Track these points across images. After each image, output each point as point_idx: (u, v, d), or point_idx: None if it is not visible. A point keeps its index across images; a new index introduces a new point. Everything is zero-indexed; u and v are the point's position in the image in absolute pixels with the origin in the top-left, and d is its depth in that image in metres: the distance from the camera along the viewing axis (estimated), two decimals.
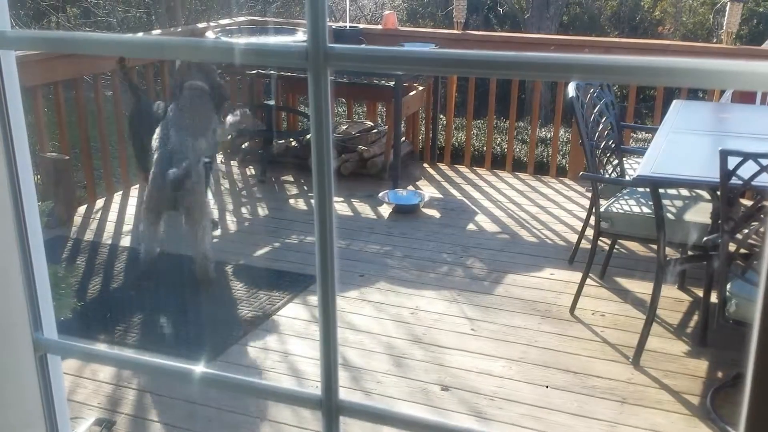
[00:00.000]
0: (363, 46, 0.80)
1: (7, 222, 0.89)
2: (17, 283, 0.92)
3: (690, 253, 3.42)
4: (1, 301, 0.90)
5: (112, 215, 4.88)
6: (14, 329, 0.93)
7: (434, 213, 4.95)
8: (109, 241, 4.47)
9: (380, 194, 5.04)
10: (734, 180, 2.78)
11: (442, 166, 5.92)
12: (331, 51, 0.73)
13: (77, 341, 1.02)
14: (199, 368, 0.91)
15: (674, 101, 4.32)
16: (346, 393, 0.74)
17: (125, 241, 4.48)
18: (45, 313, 1.00)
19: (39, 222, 0.99)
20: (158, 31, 6.82)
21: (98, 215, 4.88)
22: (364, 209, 4.97)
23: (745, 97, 5.01)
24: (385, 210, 4.95)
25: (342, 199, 5.10)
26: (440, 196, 5.26)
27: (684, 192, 3.68)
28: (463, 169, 5.86)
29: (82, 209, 4.94)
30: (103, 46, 0.91)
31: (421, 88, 5.79)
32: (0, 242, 0.89)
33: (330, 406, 0.86)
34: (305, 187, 5.32)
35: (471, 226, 4.75)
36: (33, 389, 0.96)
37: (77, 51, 0.91)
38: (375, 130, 5.68)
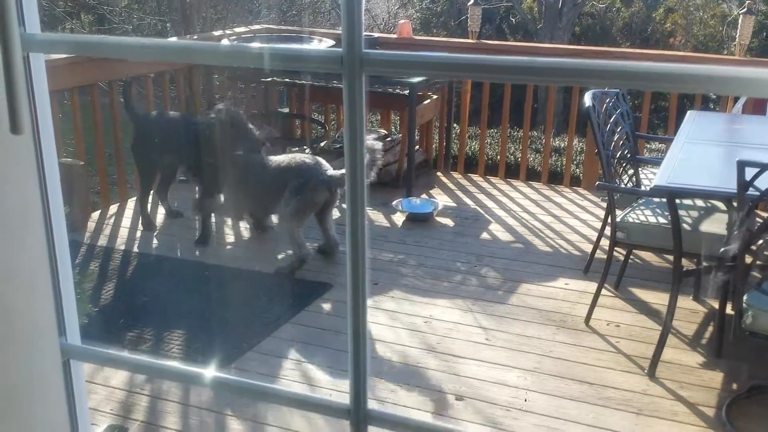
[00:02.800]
0: (397, 51, 0.81)
1: (37, 228, 0.89)
2: (46, 289, 0.92)
3: (706, 264, 3.39)
4: (29, 306, 0.90)
5: (126, 221, 4.89)
6: (41, 334, 0.93)
7: (448, 221, 4.94)
8: (123, 247, 4.48)
9: (394, 202, 5.03)
10: (751, 191, 2.76)
11: (456, 175, 5.91)
12: (367, 57, 0.73)
13: (100, 347, 1.02)
14: (228, 375, 0.90)
15: (689, 112, 4.31)
16: None
17: (138, 247, 4.49)
18: (69, 319, 1.00)
19: (65, 229, 0.99)
20: (174, 39, 6.85)
21: (112, 221, 4.89)
22: (378, 217, 4.96)
23: (756, 109, 4.99)
24: (399, 218, 4.94)
25: None
26: (454, 204, 5.25)
27: (699, 202, 3.66)
28: (476, 177, 5.85)
29: (96, 215, 4.95)
30: (134, 51, 0.91)
31: (435, 96, 5.79)
32: (30, 248, 0.89)
33: (358, 416, 0.86)
34: None
35: (485, 235, 4.74)
36: (58, 394, 0.96)
37: (107, 55, 0.91)
38: (389, 139, 5.68)
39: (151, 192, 4.84)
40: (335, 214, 4.46)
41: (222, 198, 4.51)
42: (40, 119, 0.89)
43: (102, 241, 4.57)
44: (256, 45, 0.63)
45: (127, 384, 3.11)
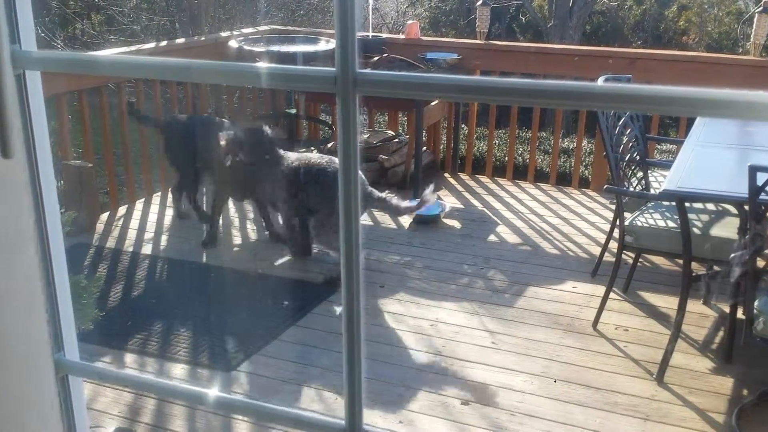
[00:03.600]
0: (391, 72, 0.80)
1: (30, 243, 0.89)
2: (39, 304, 0.92)
3: (716, 268, 3.37)
4: (23, 323, 0.90)
5: (134, 222, 4.90)
6: (36, 350, 0.92)
7: (455, 223, 4.92)
8: (131, 249, 4.49)
9: None
10: (763, 196, 2.74)
11: (463, 176, 5.89)
12: (361, 77, 0.72)
13: (103, 355, 1.01)
14: (220, 393, 0.90)
15: None
16: (365, 407, 0.72)
17: (146, 249, 4.50)
18: (67, 334, 0.99)
19: (62, 243, 0.98)
20: (182, 40, 6.86)
21: (120, 222, 4.90)
22: (385, 219, 4.95)
23: None
24: (406, 220, 4.93)
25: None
26: (461, 206, 5.24)
27: (710, 206, 3.63)
28: (484, 179, 5.84)
29: (104, 216, 4.97)
30: (128, 68, 0.90)
31: None
32: (23, 263, 0.89)
33: None
34: None
35: (492, 237, 4.72)
36: (54, 411, 0.95)
37: (103, 73, 0.91)
38: (396, 140, 5.67)
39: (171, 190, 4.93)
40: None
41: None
42: (36, 138, 0.89)
43: (110, 242, 4.59)
44: (249, 65, 0.63)
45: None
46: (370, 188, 4.05)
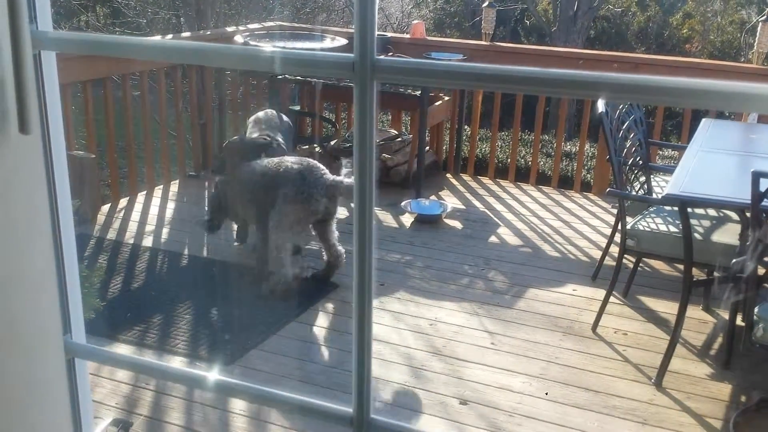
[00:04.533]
0: (410, 59, 0.80)
1: (45, 227, 0.89)
2: (51, 286, 0.92)
3: (717, 274, 3.37)
4: (35, 304, 0.90)
5: (135, 215, 4.90)
6: (46, 332, 0.92)
7: (456, 224, 4.92)
8: (132, 241, 4.49)
9: (402, 203, 5.02)
10: (765, 202, 2.74)
11: (466, 177, 5.89)
12: (379, 63, 0.72)
13: (102, 345, 1.01)
14: (230, 374, 0.90)
15: (703, 120, 4.28)
16: None
17: (147, 241, 4.50)
18: (75, 317, 0.99)
19: (72, 226, 0.98)
20: (187, 34, 6.87)
21: (121, 214, 4.90)
22: (386, 218, 4.95)
23: None
24: (407, 219, 4.93)
25: None
26: (463, 207, 5.24)
27: (711, 212, 3.63)
28: (486, 180, 5.84)
29: (105, 208, 4.96)
30: (145, 51, 0.90)
31: (447, 98, 5.78)
32: (37, 246, 0.89)
33: (361, 424, 0.85)
34: None
35: (493, 239, 4.72)
36: (61, 392, 0.95)
37: (119, 55, 0.91)
38: (399, 139, 5.67)
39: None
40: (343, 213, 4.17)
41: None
42: (51, 118, 0.89)
43: (111, 234, 4.58)
44: (268, 48, 0.62)
45: (133, 378, 3.11)
46: (328, 176, 3.74)
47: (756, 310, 2.78)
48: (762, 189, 2.71)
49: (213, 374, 0.89)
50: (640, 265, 4.02)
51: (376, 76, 0.73)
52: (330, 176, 3.76)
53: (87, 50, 0.86)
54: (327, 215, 3.80)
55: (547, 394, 3.11)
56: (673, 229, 3.41)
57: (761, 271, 2.78)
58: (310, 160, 3.91)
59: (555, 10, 14.83)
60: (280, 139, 4.35)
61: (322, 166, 3.83)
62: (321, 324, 3.61)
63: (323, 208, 3.73)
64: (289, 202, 3.68)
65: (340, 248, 3.93)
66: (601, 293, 3.69)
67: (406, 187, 5.41)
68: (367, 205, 0.77)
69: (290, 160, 3.87)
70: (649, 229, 3.45)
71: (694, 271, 3.25)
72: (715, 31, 15.74)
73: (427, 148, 5.73)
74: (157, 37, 6.66)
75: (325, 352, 3.37)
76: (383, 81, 0.73)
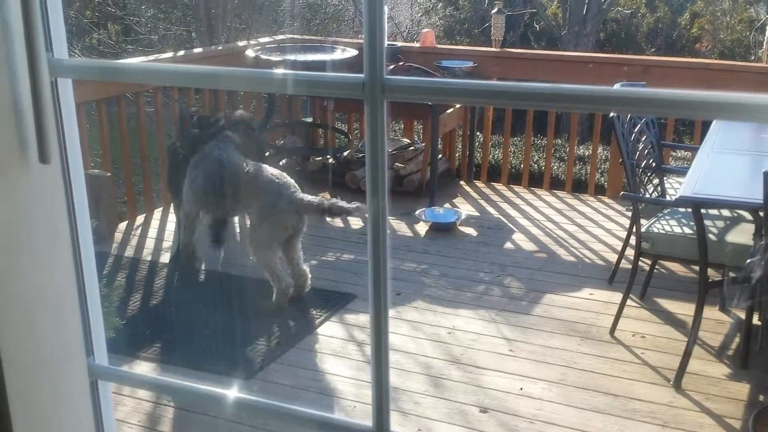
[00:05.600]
0: (418, 78, 0.81)
1: (65, 250, 0.91)
2: (73, 308, 0.93)
3: (732, 274, 3.36)
4: (57, 327, 0.92)
5: (153, 231, 4.94)
6: (69, 355, 0.94)
7: (471, 231, 4.93)
8: (150, 258, 4.52)
9: (417, 212, 5.03)
10: None
11: (479, 184, 5.90)
12: (388, 83, 0.73)
13: (123, 363, 1.03)
14: (248, 395, 0.91)
15: (715, 120, 4.26)
16: None
17: (165, 258, 4.53)
18: (97, 339, 1.01)
19: (92, 248, 1.00)
20: (199, 49, 6.93)
21: (138, 231, 4.94)
22: (401, 227, 4.96)
23: None
24: (422, 228, 4.94)
25: None
26: (477, 214, 5.24)
27: (725, 212, 3.62)
28: (500, 186, 5.84)
29: (122, 225, 5.00)
30: (158, 76, 0.92)
31: (458, 105, 5.79)
32: (57, 267, 0.91)
33: None
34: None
35: (508, 245, 4.72)
36: (85, 414, 0.97)
37: (132, 80, 0.93)
38: (412, 148, 5.69)
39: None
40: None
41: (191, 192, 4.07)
42: (68, 143, 0.91)
43: (129, 251, 4.62)
44: (279, 71, 0.64)
45: (154, 396, 3.13)
46: (300, 194, 3.77)
47: None
48: None
49: (229, 391, 0.90)
50: (656, 267, 4.01)
51: (387, 95, 0.74)
52: (300, 193, 3.79)
53: (101, 77, 0.88)
54: (294, 233, 3.82)
55: (521, 389, 3.11)
56: (687, 230, 3.40)
57: None
58: (285, 175, 3.89)
59: (564, 14, 14.82)
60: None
61: (293, 183, 3.84)
62: (339, 335, 3.62)
63: (292, 225, 3.76)
64: (265, 216, 3.73)
65: (305, 267, 3.94)
66: (617, 297, 3.68)
67: (420, 195, 5.42)
68: (380, 220, 0.78)
69: (268, 172, 3.87)
70: (663, 232, 3.45)
71: (710, 272, 3.24)
72: (725, 30, 15.68)
73: (440, 156, 5.74)
74: (168, 55, 6.71)
75: (345, 364, 3.37)
76: (393, 100, 0.74)
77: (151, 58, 6.20)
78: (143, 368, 3.34)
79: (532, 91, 0.72)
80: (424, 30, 6.46)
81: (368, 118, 0.75)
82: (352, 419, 0.83)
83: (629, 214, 4.39)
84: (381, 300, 0.78)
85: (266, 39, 6.44)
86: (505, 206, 5.40)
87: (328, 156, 5.93)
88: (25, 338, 0.88)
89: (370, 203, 0.77)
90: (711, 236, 3.31)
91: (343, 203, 3.74)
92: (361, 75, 0.74)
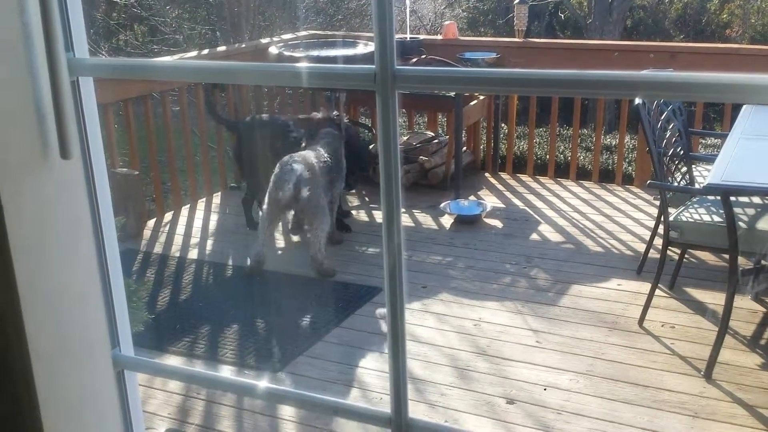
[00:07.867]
0: (429, 67, 0.82)
1: (88, 241, 0.93)
2: (97, 301, 0.96)
3: (764, 262, 3.32)
4: (82, 318, 0.94)
5: (180, 228, 4.99)
6: (94, 346, 0.96)
7: (497, 223, 4.92)
8: (178, 254, 4.57)
9: (442, 205, 5.03)
10: None
11: (504, 176, 5.88)
12: (399, 73, 0.74)
13: (153, 357, 1.05)
14: (270, 384, 0.92)
15: (745, 106, 4.20)
16: (410, 406, 0.74)
17: (193, 254, 4.58)
18: (122, 330, 1.03)
19: (116, 241, 1.02)
20: (223, 48, 6.98)
21: (167, 228, 5.00)
22: (426, 220, 4.97)
23: None
24: (447, 221, 4.94)
25: (403, 210, 5.10)
26: (502, 205, 5.23)
27: (756, 200, 3.57)
28: (525, 178, 5.81)
29: (151, 222, 5.07)
30: (174, 72, 0.93)
31: (482, 97, 5.77)
32: (81, 260, 0.93)
33: (399, 424, 0.87)
34: (366, 199, 5.34)
35: (534, 236, 4.71)
36: (112, 405, 0.99)
37: (152, 77, 0.95)
38: (436, 141, 5.68)
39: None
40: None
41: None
42: (91, 141, 0.93)
43: (157, 248, 4.68)
44: (291, 65, 0.65)
45: (184, 389, 3.18)
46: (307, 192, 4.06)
47: None
48: None
49: (252, 381, 0.92)
50: (686, 256, 3.97)
51: (398, 85, 0.75)
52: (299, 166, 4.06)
53: (121, 74, 0.90)
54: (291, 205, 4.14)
55: (545, 389, 3.09)
56: (716, 218, 3.36)
57: None
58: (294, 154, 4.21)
59: (590, 2, 14.68)
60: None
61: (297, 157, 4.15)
62: (365, 328, 3.64)
63: (287, 198, 4.04)
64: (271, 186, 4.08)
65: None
66: (646, 287, 3.65)
67: (445, 188, 5.42)
68: (394, 210, 0.79)
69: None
70: (692, 220, 3.41)
71: (741, 260, 3.20)
72: (756, 15, 15.41)
73: (464, 148, 5.73)
74: (193, 53, 6.78)
75: (371, 356, 3.39)
76: (404, 90, 0.75)
77: (175, 57, 6.26)
78: (174, 362, 3.38)
79: (547, 77, 0.72)
80: (447, 22, 6.44)
81: (380, 109, 0.76)
82: (370, 406, 0.84)
83: (657, 203, 4.35)
84: (396, 286, 0.79)
85: (289, 36, 6.47)
86: (530, 197, 5.38)
87: None
88: (52, 331, 0.90)
89: (383, 191, 0.78)
90: (741, 224, 3.27)
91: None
92: (373, 66, 0.75)
